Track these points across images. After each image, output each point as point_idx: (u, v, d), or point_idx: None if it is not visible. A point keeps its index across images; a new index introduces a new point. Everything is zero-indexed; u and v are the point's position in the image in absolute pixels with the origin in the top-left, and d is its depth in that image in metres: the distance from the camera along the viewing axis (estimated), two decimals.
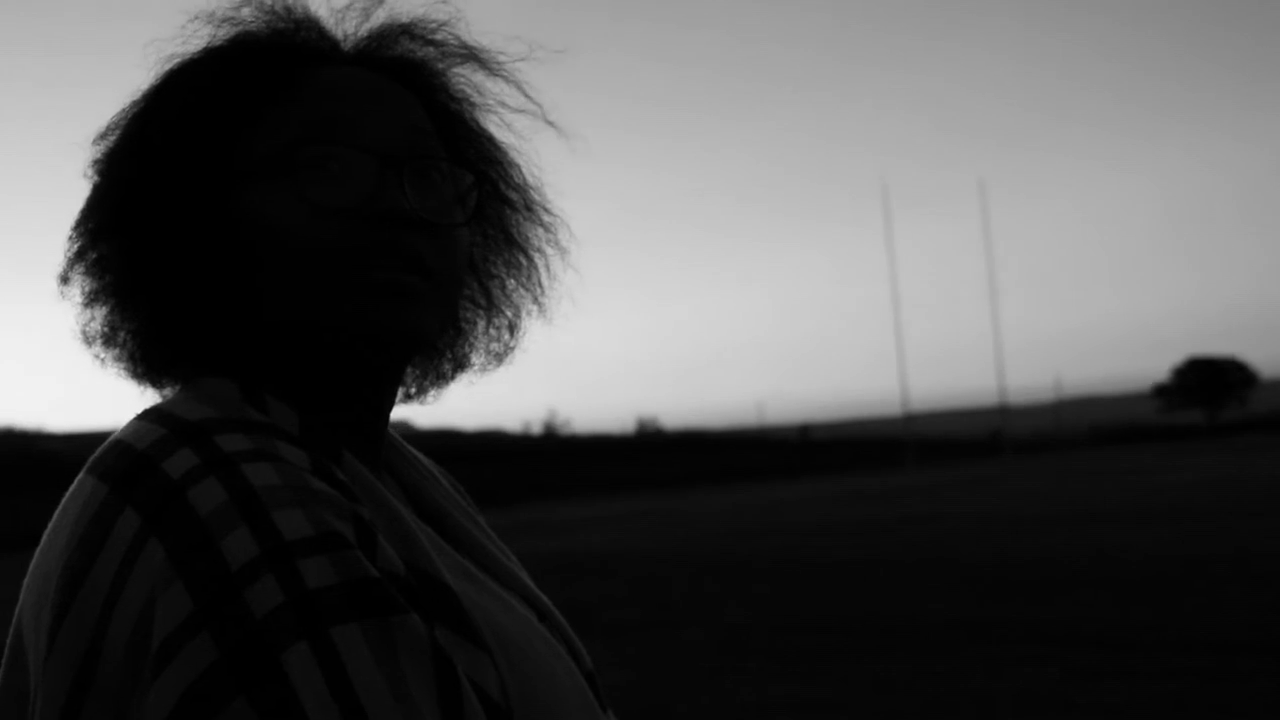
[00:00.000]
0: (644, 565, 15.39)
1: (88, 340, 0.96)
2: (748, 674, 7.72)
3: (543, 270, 1.07)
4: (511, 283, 1.07)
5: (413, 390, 1.08)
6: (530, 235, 1.07)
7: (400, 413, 1.11)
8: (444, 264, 0.92)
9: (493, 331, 1.07)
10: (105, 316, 0.94)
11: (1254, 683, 6.45)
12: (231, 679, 0.71)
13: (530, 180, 1.07)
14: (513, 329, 1.08)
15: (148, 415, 0.85)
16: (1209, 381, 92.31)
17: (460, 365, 1.08)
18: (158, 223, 0.90)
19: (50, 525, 0.84)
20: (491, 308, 1.07)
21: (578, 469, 53.58)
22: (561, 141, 1.07)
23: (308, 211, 0.88)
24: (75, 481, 0.84)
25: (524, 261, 1.07)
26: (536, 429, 77.70)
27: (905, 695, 6.85)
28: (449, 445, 51.79)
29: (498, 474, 46.60)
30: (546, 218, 1.07)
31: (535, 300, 1.08)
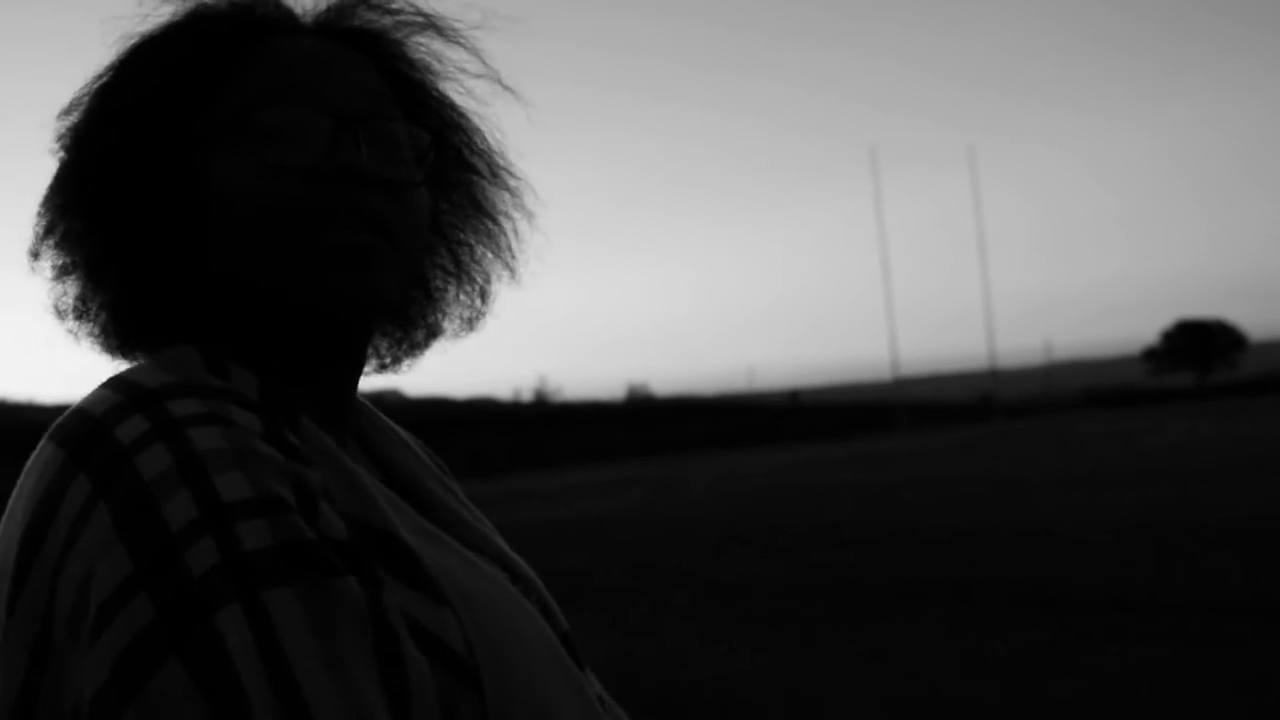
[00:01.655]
0: (634, 531, 15.43)
1: (60, 315, 0.97)
2: (740, 639, 7.74)
3: (510, 235, 1.09)
4: (480, 249, 1.08)
5: (386, 359, 1.09)
6: (496, 200, 1.08)
7: (389, 381, 1.12)
8: (404, 223, 0.93)
9: (464, 298, 1.08)
10: (76, 290, 0.96)
11: (1246, 644, 6.49)
12: (166, 638, 0.71)
13: (494, 145, 1.08)
14: (483, 295, 1.09)
15: (109, 383, 0.86)
16: (1198, 344, 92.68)
17: (433, 333, 1.09)
18: (123, 195, 0.92)
19: (14, 492, 0.85)
20: (461, 274, 1.08)
21: (568, 436, 53.61)
22: (528, 106, 1.07)
23: (265, 172, 0.89)
24: (38, 447, 0.84)
25: (491, 227, 1.08)
26: (527, 396, 77.68)
27: (898, 658, 6.87)
28: (440, 413, 51.79)
29: (489, 441, 46.68)
30: (512, 182, 1.08)
31: (505, 265, 1.09)
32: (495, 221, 1.08)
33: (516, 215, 1.08)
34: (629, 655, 7.35)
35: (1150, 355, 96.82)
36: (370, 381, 1.07)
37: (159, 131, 0.92)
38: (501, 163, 1.08)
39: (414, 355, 1.09)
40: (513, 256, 1.08)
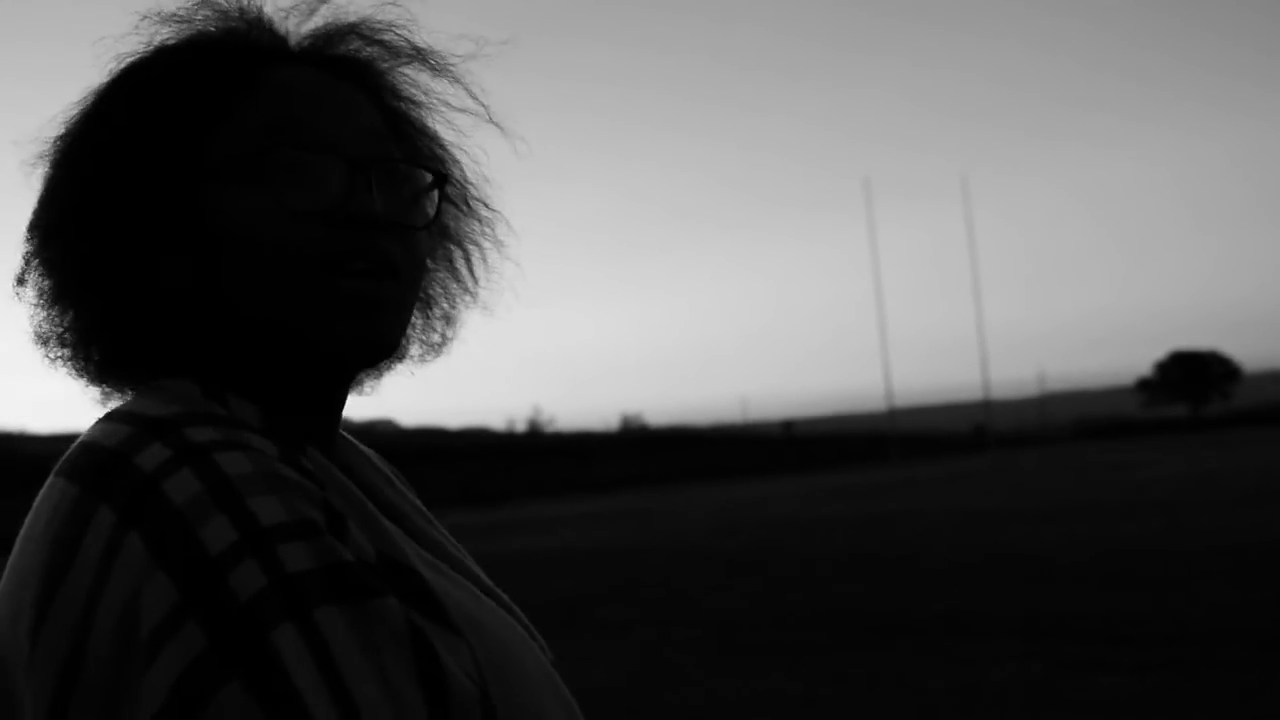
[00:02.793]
0: (629, 562, 15.39)
1: (41, 341, 0.95)
2: (736, 669, 7.71)
3: (478, 264, 1.09)
4: (447, 276, 1.08)
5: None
6: (466, 230, 1.08)
7: (384, 411, 1.11)
8: (411, 265, 0.94)
9: (431, 324, 1.08)
10: (57, 317, 0.94)
11: (1240, 673, 6.47)
12: (222, 664, 0.71)
13: (470, 176, 1.08)
14: (449, 321, 1.09)
15: (112, 416, 0.85)
16: (1192, 375, 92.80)
17: (398, 357, 1.08)
18: (113, 223, 0.90)
19: (22, 531, 0.83)
20: (429, 301, 1.07)
21: (562, 466, 53.54)
22: (517, 140, 1.08)
23: (281, 215, 0.88)
24: (45, 485, 0.83)
25: (460, 255, 1.08)
26: (521, 427, 77.68)
27: (893, 689, 6.85)
28: (434, 443, 51.69)
29: (482, 472, 46.62)
30: (484, 213, 1.09)
31: (470, 294, 1.09)
32: (464, 251, 1.08)
33: (486, 244, 1.08)
34: (625, 685, 7.32)
35: (1144, 386, 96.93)
36: (363, 411, 1.07)
37: (153, 162, 0.90)
38: (476, 194, 1.08)
39: (377, 377, 1.08)
40: (477, 284, 1.08)
